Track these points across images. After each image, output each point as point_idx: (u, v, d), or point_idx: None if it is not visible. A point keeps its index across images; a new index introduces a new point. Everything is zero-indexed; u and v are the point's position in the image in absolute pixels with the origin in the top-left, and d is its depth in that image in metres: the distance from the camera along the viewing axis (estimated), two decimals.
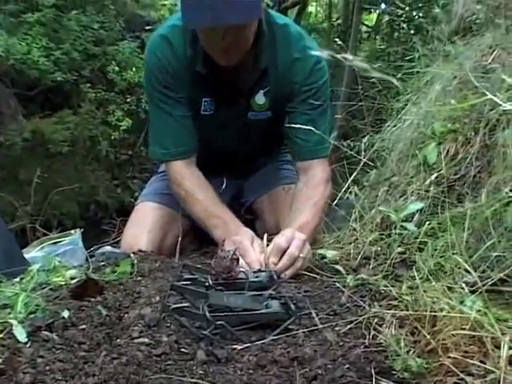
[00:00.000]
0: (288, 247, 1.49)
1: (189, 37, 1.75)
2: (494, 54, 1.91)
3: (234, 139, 1.99)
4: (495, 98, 1.38)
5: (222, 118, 1.90)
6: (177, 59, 1.78)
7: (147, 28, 6.50)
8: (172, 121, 1.83)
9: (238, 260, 1.28)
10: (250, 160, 2.16)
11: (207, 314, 1.03)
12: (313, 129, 1.71)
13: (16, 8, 5.02)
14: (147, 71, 1.85)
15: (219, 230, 1.72)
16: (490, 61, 1.88)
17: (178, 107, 1.83)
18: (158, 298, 1.25)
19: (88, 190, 4.85)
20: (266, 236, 1.61)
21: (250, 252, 1.53)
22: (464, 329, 0.90)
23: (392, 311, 1.06)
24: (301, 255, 1.49)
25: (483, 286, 1.04)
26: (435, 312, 0.93)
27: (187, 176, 1.84)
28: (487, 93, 1.39)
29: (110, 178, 5.18)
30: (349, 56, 1.27)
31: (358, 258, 1.48)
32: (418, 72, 2.19)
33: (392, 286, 1.23)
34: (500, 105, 1.34)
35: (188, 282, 1.23)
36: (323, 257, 1.55)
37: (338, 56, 1.23)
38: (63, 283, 1.29)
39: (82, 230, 2.20)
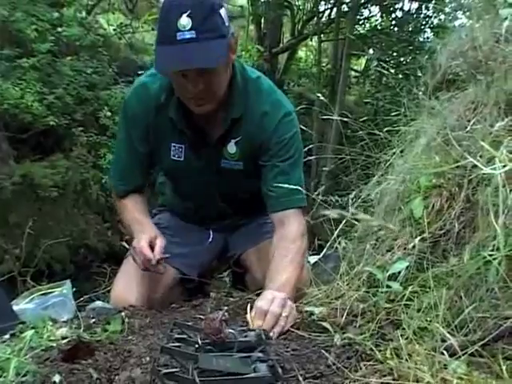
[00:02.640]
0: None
1: (165, 83, 1.84)
2: (476, 110, 1.98)
3: (208, 188, 2.04)
4: (476, 162, 1.43)
5: (193, 165, 1.96)
6: (149, 105, 1.88)
7: (140, 72, 6.61)
8: (126, 158, 2.01)
9: (227, 322, 1.30)
10: (232, 214, 2.18)
11: (196, 379, 1.05)
12: (283, 185, 1.80)
13: (11, 53, 5.10)
14: (122, 112, 1.99)
15: (140, 233, 1.85)
16: (472, 117, 1.94)
17: (137, 146, 1.96)
18: (148, 359, 1.27)
19: (78, 234, 4.86)
20: (249, 306, 1.65)
21: (144, 251, 1.75)
22: None
23: (376, 376, 1.08)
24: (283, 314, 1.52)
25: (466, 349, 1.07)
26: (418, 380, 0.96)
27: (127, 199, 2.03)
28: (468, 157, 1.45)
29: (101, 221, 5.20)
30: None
31: (345, 315, 1.49)
32: (404, 125, 2.24)
33: (377, 346, 1.25)
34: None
35: (178, 344, 1.24)
36: (311, 313, 1.57)
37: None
38: (54, 344, 1.30)
39: (72, 273, 2.21)
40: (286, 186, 1.79)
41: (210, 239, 2.17)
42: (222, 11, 1.65)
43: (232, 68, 1.83)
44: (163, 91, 1.86)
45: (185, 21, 1.56)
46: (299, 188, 1.84)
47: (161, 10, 1.64)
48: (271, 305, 1.54)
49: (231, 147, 1.91)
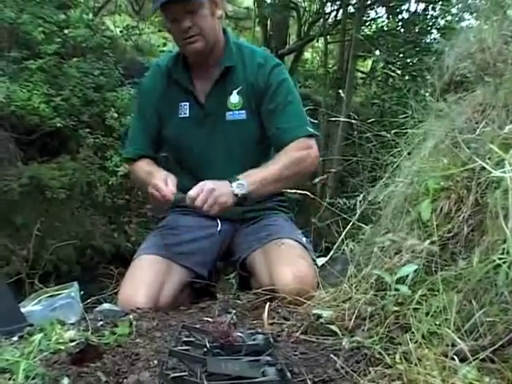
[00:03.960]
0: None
1: (173, 55, 2.21)
2: (485, 112, 1.97)
3: (214, 151, 2.17)
4: (484, 164, 1.43)
5: (198, 118, 2.17)
6: (160, 76, 2.19)
7: (146, 74, 6.62)
8: (139, 128, 2.27)
9: (235, 325, 1.30)
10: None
11: (205, 382, 1.05)
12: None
13: (19, 55, 5.12)
14: (137, 91, 2.44)
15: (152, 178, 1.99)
16: (480, 119, 1.93)
17: (149, 122, 2.23)
18: (156, 362, 1.27)
19: (84, 235, 4.87)
20: (267, 306, 1.69)
21: (161, 186, 1.88)
22: None
23: (386, 380, 1.07)
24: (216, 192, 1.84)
25: (477, 354, 1.06)
26: None
27: (138, 162, 2.25)
28: (477, 159, 1.44)
29: (107, 222, 5.21)
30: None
31: (353, 318, 1.49)
32: (411, 127, 2.23)
33: (386, 350, 1.24)
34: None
35: (186, 347, 1.24)
36: (319, 316, 1.56)
37: None
38: (62, 347, 1.30)
39: (78, 274, 2.22)
40: (291, 119, 2.10)
41: (219, 228, 2.16)
42: None
43: (225, 33, 2.16)
44: (170, 60, 2.19)
45: None
46: (304, 120, 2.14)
47: None
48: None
49: (234, 97, 2.13)
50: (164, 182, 1.90)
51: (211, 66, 2.13)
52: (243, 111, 2.13)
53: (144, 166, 2.20)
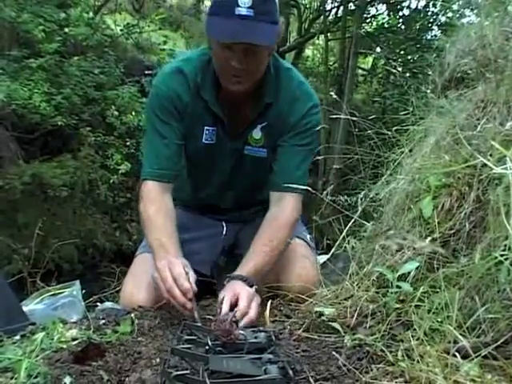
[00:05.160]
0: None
1: (199, 65, 1.88)
2: (486, 109, 1.96)
3: (225, 175, 2.05)
4: (486, 161, 1.42)
5: (221, 149, 1.97)
6: (187, 89, 1.88)
7: (147, 72, 6.63)
8: (162, 143, 1.89)
9: (237, 323, 1.30)
10: (244, 206, 2.18)
11: (207, 380, 1.05)
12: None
13: (19, 54, 5.12)
14: (154, 97, 1.92)
15: (163, 261, 1.67)
16: (481, 116, 1.93)
17: (173, 134, 1.90)
18: (158, 360, 1.27)
19: (86, 234, 4.88)
20: (269, 303, 1.68)
21: (166, 282, 1.56)
22: None
23: (388, 377, 1.07)
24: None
25: (479, 350, 1.06)
26: (430, 382, 0.95)
27: (156, 201, 1.87)
28: (478, 156, 1.44)
29: (109, 221, 5.22)
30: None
31: (355, 316, 1.49)
32: (413, 124, 2.23)
33: (388, 347, 1.24)
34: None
35: (188, 345, 1.24)
36: (321, 314, 1.56)
37: None
38: (64, 346, 1.31)
39: (80, 273, 2.22)
40: (297, 168, 1.91)
41: (224, 232, 2.16)
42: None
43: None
44: (199, 72, 1.88)
45: None
46: (305, 177, 1.94)
47: None
48: (240, 301, 1.55)
49: (256, 132, 1.95)
50: (182, 289, 1.57)
51: (246, 99, 1.90)
52: (264, 149, 1.97)
53: (157, 215, 1.83)
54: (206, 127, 1.94)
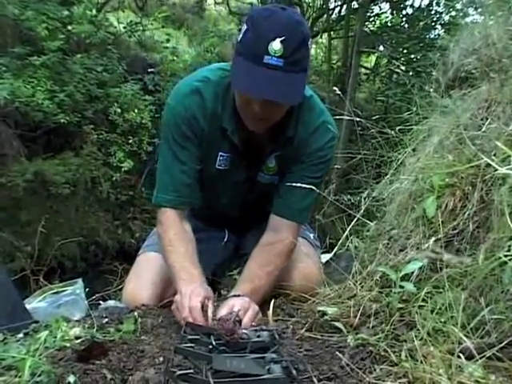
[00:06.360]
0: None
1: (219, 91, 1.80)
2: (490, 108, 1.96)
3: (239, 198, 2.02)
4: (490, 161, 1.42)
5: (235, 176, 1.94)
6: (204, 113, 1.80)
7: (149, 70, 6.63)
8: (180, 169, 1.83)
9: (240, 322, 1.30)
10: (251, 219, 2.17)
11: (211, 380, 1.05)
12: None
13: (22, 51, 5.12)
14: (171, 117, 1.84)
15: (185, 284, 1.65)
16: (485, 116, 1.92)
17: (190, 159, 1.84)
18: (161, 359, 1.27)
19: (88, 231, 4.89)
20: (272, 302, 1.68)
21: (184, 310, 1.52)
22: None
23: (391, 378, 1.07)
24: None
25: (483, 351, 1.06)
26: (434, 383, 0.95)
27: (176, 226, 1.83)
28: (482, 156, 1.44)
29: (111, 218, 5.22)
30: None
31: (358, 315, 1.49)
32: (416, 124, 2.22)
33: (391, 347, 1.24)
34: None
35: (191, 344, 1.24)
36: (324, 313, 1.56)
37: None
38: (68, 344, 1.31)
39: (82, 270, 2.21)
40: (304, 199, 1.87)
41: (226, 239, 2.16)
42: (310, 43, 1.62)
43: None
44: (219, 101, 1.81)
45: (277, 46, 1.52)
46: (308, 209, 1.90)
47: (253, 20, 1.59)
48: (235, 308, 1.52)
49: (271, 161, 1.91)
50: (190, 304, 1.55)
51: (267, 132, 1.83)
52: (276, 177, 1.94)
53: (178, 240, 1.80)
54: (220, 153, 1.88)
